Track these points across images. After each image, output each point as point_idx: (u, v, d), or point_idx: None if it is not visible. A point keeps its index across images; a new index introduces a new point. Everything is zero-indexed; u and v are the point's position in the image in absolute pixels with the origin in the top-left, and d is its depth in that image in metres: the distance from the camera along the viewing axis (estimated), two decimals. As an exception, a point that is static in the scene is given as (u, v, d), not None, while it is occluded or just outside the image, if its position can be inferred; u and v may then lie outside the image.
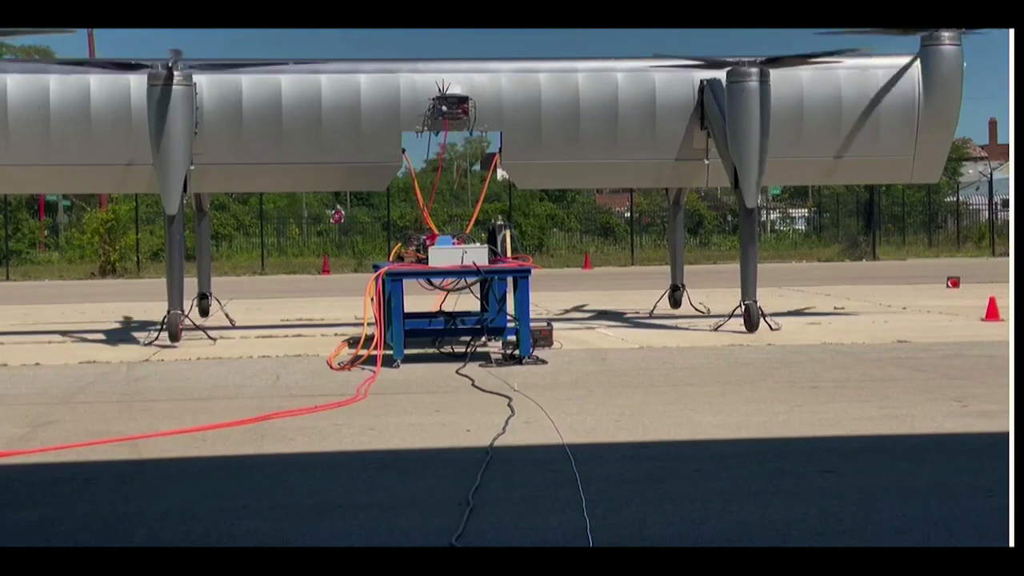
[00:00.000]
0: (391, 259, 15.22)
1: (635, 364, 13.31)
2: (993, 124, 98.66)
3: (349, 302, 21.59)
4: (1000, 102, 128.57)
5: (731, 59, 16.29)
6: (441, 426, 9.54)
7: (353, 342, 14.65)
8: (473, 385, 11.79)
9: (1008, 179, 56.88)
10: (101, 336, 17.44)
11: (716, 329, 16.43)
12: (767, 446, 8.66)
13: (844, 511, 6.61)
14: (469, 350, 13.94)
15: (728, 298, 17.33)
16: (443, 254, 14.06)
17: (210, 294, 19.08)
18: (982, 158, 75.42)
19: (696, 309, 18.87)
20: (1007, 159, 69.57)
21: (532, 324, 13.98)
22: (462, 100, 16.39)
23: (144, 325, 18.57)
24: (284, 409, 10.34)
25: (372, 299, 13.97)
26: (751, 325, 16.13)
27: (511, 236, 15.02)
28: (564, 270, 39.53)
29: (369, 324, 13.92)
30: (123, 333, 17.78)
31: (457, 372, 12.70)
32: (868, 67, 17.17)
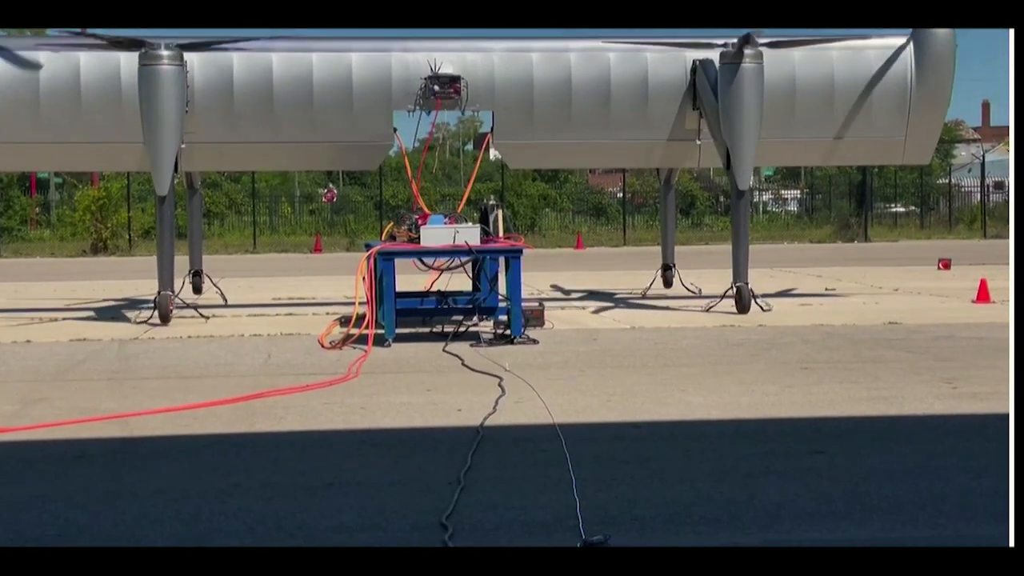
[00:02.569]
0: (383, 238, 15.21)
1: (626, 344, 13.31)
2: (986, 106, 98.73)
3: (341, 281, 21.56)
4: (993, 84, 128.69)
5: (723, 40, 16.30)
6: (432, 405, 9.55)
7: (344, 321, 14.65)
8: (463, 365, 11.80)
9: (1000, 161, 56.95)
10: (92, 314, 17.41)
11: (708, 310, 16.44)
12: (758, 426, 8.67)
13: (834, 491, 6.63)
14: (461, 330, 13.93)
15: (720, 279, 17.34)
16: (435, 234, 14.05)
17: (202, 271, 19.06)
18: (975, 140, 75.51)
19: (688, 289, 18.88)
20: (1000, 141, 69.66)
21: (524, 304, 13.97)
22: (454, 79, 16.35)
23: (135, 303, 18.55)
24: (275, 387, 10.34)
25: (364, 278, 13.96)
26: (742, 307, 16.16)
27: (503, 216, 15.01)
28: (556, 250, 39.53)
29: (361, 303, 13.91)
30: (114, 311, 17.76)
31: (448, 352, 12.70)
32: (860, 48, 17.17)
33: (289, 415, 9.17)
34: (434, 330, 14.24)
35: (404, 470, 7.37)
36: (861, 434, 8.38)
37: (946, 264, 25.21)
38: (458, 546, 5.61)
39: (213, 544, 5.76)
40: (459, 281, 15.77)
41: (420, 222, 14.22)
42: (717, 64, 16.14)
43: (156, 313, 15.71)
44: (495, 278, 14.40)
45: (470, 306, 14.34)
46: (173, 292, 15.95)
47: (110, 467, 7.59)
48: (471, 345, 13.17)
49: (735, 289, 16.31)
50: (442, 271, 15.13)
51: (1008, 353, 11.83)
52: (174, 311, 15.91)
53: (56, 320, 16.64)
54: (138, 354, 12.96)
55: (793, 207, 59.46)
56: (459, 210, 16.26)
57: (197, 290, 18.80)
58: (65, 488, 6.96)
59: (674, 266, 19.53)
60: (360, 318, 13.62)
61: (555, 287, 21.42)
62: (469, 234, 14.03)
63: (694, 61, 16.80)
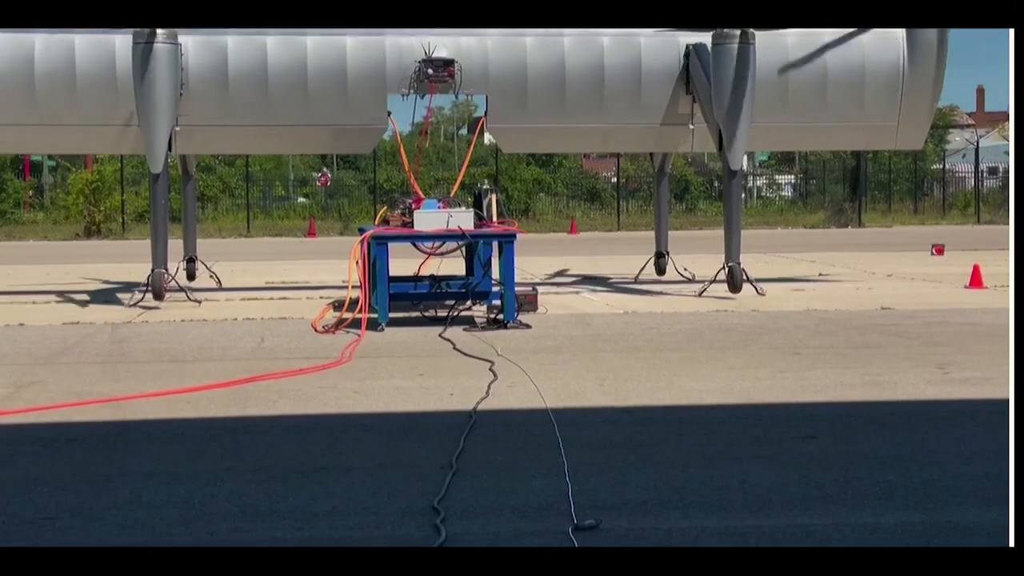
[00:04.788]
0: (377, 222, 15.20)
1: (619, 329, 13.33)
2: (980, 92, 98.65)
3: (334, 265, 21.55)
4: (988, 69, 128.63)
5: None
6: (425, 390, 9.56)
7: (338, 305, 14.65)
8: (454, 348, 11.81)
9: (994, 146, 56.91)
10: (85, 297, 17.40)
11: (700, 294, 16.45)
12: (750, 411, 8.69)
13: (825, 477, 6.65)
14: (454, 314, 13.94)
15: (713, 264, 17.34)
16: (429, 218, 14.03)
17: (196, 258, 19.05)
18: (969, 125, 75.42)
19: (681, 275, 18.89)
20: (994, 127, 69.61)
21: (517, 289, 13.98)
22: (448, 63, 16.33)
23: (129, 286, 18.52)
24: (268, 371, 10.34)
25: (357, 262, 13.96)
26: (734, 287, 16.18)
27: (497, 200, 15.00)
28: (550, 235, 39.51)
29: (354, 287, 13.91)
30: (108, 294, 17.75)
31: (441, 336, 12.71)
32: (853, 33, 17.16)
33: (282, 399, 9.18)
34: (427, 315, 14.24)
35: (397, 454, 7.38)
36: (853, 419, 8.41)
37: (939, 249, 25.22)
38: (453, 546, 5.61)
39: (206, 526, 5.78)
40: (453, 265, 15.78)
41: (414, 206, 14.22)
42: (710, 46, 16.15)
43: (150, 291, 15.69)
44: (488, 262, 14.39)
45: (463, 291, 14.34)
46: (167, 270, 15.93)
47: (103, 450, 7.60)
48: (464, 329, 13.18)
49: (727, 269, 16.33)
50: (430, 255, 15.12)
51: (997, 339, 11.88)
52: (168, 295, 15.90)
53: (49, 303, 16.63)
54: (131, 337, 12.95)
55: (787, 192, 59.48)
56: (453, 194, 16.25)
57: (191, 276, 18.78)
58: (58, 471, 6.97)
59: (667, 254, 19.54)
60: (353, 302, 13.61)
61: (549, 274, 21.42)
62: (463, 218, 14.01)
63: (687, 45, 16.80)
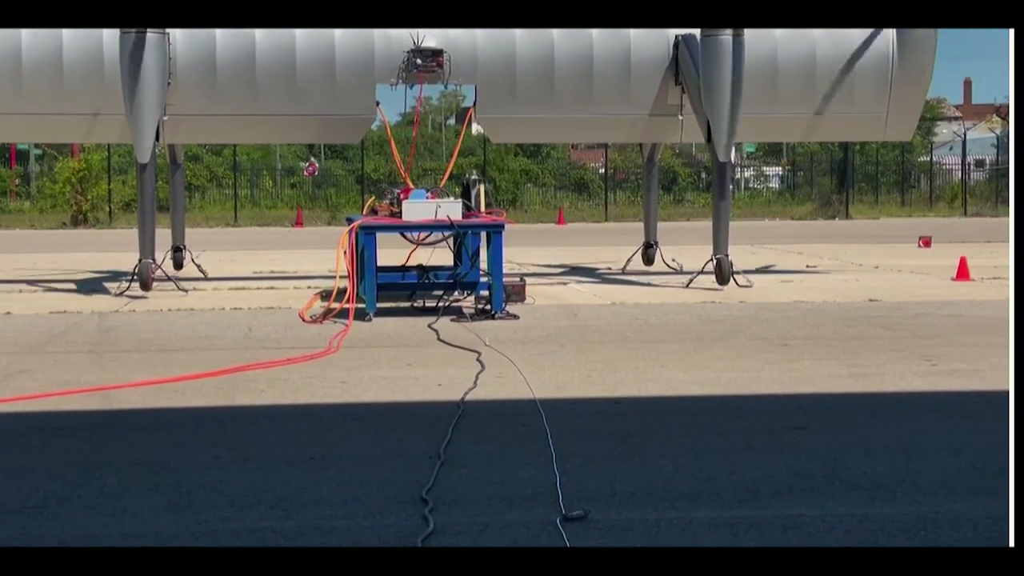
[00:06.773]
0: (365, 212, 15.18)
1: (607, 320, 13.33)
2: (968, 84, 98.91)
3: (322, 255, 21.52)
4: (975, 62, 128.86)
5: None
6: (413, 380, 9.55)
7: (325, 295, 14.63)
8: (444, 340, 11.79)
9: (981, 139, 56.95)
10: (72, 286, 17.36)
11: (688, 285, 16.46)
12: (738, 402, 8.70)
13: (812, 467, 6.66)
14: (441, 304, 13.93)
15: (701, 255, 17.35)
16: (417, 208, 14.02)
17: (184, 247, 19.01)
18: (956, 118, 75.57)
19: (669, 266, 18.91)
20: (981, 119, 69.74)
21: (505, 279, 13.97)
22: (436, 53, 16.30)
23: (116, 275, 18.48)
24: (256, 361, 10.32)
25: (345, 252, 13.94)
26: (722, 279, 16.20)
27: (485, 191, 14.99)
28: (538, 225, 39.51)
29: (342, 277, 13.89)
30: (95, 283, 17.70)
31: (429, 326, 12.69)
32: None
33: (270, 389, 9.17)
34: (415, 305, 14.23)
35: (385, 444, 7.38)
36: (840, 410, 8.42)
37: (926, 242, 25.28)
38: (441, 536, 5.61)
39: (194, 515, 5.78)
40: (441, 256, 15.77)
41: (402, 196, 14.20)
42: (699, 38, 16.15)
43: (137, 281, 15.66)
44: (476, 253, 14.38)
45: (451, 281, 14.32)
46: (154, 261, 15.91)
47: (90, 439, 7.58)
48: (452, 320, 13.17)
49: (715, 261, 16.34)
50: (417, 245, 15.12)
51: (984, 331, 11.92)
52: (155, 284, 15.86)
53: (36, 292, 16.57)
54: (118, 327, 12.92)
55: (775, 184, 59.55)
56: (441, 184, 16.23)
57: (178, 265, 18.74)
58: (45, 460, 6.95)
59: (656, 244, 19.55)
60: (341, 292, 13.60)
61: (537, 264, 21.42)
62: (451, 209, 14.00)
63: (676, 36, 16.81)
